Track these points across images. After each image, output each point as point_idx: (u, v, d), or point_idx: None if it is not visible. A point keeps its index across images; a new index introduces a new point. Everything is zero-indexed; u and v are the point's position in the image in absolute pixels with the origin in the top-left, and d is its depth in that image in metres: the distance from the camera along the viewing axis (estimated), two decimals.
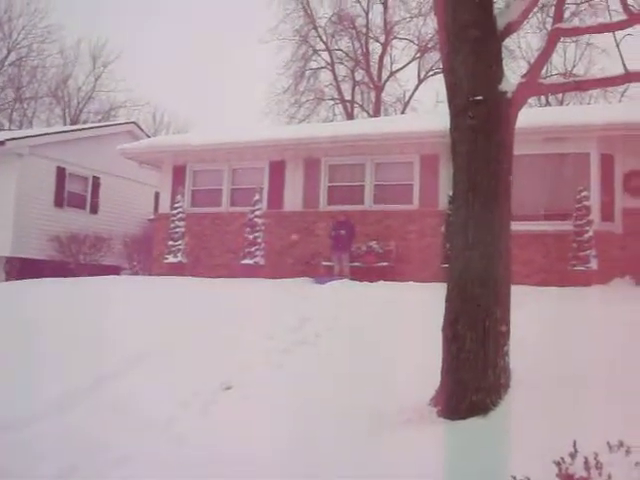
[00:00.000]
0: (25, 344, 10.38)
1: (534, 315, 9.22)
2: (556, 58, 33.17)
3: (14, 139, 20.80)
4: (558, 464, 4.11)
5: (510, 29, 7.43)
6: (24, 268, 19.63)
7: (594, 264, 13.64)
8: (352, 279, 14.62)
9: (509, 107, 7.19)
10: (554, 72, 34.37)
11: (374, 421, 6.82)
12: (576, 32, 11.59)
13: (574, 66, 35.39)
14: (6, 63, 41.32)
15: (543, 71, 7.99)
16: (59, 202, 21.60)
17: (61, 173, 21.68)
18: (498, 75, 7.16)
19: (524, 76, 7.79)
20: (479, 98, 6.92)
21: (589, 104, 31.80)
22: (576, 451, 4.13)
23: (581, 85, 10.18)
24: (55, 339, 10.49)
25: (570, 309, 10.27)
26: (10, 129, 39.53)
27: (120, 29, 52.76)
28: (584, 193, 14.03)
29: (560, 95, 33.14)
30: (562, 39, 14.50)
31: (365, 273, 15.30)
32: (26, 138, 21.43)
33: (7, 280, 19.09)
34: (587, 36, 28.25)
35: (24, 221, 20.12)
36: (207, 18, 59.64)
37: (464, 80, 7.07)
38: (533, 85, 7.82)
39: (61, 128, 31.34)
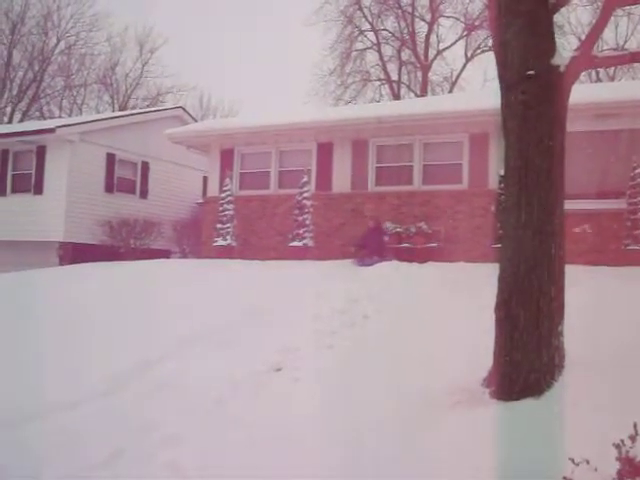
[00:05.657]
0: (75, 327, 10.55)
1: (589, 294, 9.05)
2: (607, 33, 32.36)
3: (65, 126, 21.05)
4: (618, 447, 4.00)
5: (562, 1, 7.23)
6: (76, 253, 19.95)
7: None
8: (400, 260, 14.50)
9: (562, 81, 6.99)
10: (605, 47, 33.57)
11: (425, 403, 6.75)
12: (632, 1, 11.19)
13: (626, 40, 34.59)
14: (56, 52, 42.00)
15: (595, 46, 7.75)
16: (109, 188, 21.87)
17: (111, 159, 21.94)
18: (550, 49, 6.95)
19: (577, 49, 7.57)
20: (531, 73, 6.74)
21: None
22: (637, 433, 4.01)
23: (636, 57, 9.84)
24: (106, 321, 10.65)
25: (625, 288, 10.06)
26: (60, 116, 40.19)
27: (166, 14, 52.98)
28: (639, 170, 13.68)
29: (612, 71, 32.37)
30: (614, 12, 14.07)
31: (413, 254, 15.16)
32: (76, 125, 21.76)
33: (60, 264, 19.44)
34: None
35: (76, 207, 20.46)
36: (253, 1, 59.60)
37: (515, 55, 6.88)
38: (586, 58, 7.58)
39: (110, 114, 31.71)
